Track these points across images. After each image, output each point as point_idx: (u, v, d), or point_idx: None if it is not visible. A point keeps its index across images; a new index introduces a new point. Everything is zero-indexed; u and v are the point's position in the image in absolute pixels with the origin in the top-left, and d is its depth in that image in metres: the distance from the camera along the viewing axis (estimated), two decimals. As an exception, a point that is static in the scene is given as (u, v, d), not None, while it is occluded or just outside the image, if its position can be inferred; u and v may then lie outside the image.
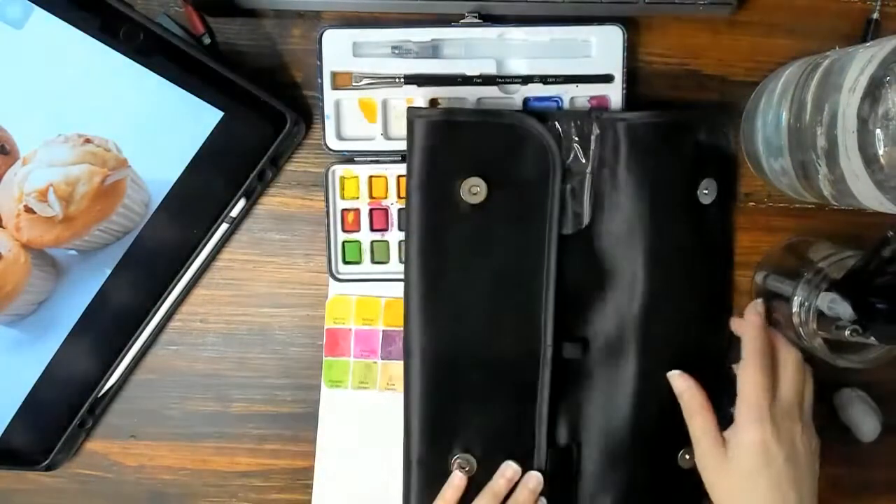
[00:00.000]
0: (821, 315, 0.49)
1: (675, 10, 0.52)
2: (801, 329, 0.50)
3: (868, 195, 0.42)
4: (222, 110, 0.51)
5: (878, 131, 0.40)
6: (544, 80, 0.52)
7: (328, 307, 0.55)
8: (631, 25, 0.53)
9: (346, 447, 0.55)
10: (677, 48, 0.55)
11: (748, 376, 0.48)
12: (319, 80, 0.52)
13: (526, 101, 0.53)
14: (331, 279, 0.54)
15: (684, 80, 0.55)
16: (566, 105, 0.53)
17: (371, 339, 0.55)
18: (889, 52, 0.40)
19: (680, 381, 0.50)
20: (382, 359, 0.55)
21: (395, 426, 0.52)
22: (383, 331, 0.55)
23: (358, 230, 0.54)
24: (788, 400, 0.48)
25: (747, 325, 0.50)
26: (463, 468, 0.50)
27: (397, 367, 0.54)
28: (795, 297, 0.50)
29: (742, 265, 0.56)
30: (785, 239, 0.56)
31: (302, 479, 0.56)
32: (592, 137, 0.50)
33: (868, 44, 0.43)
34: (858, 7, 0.54)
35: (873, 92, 0.40)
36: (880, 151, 0.40)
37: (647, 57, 0.55)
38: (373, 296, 0.55)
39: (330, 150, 0.53)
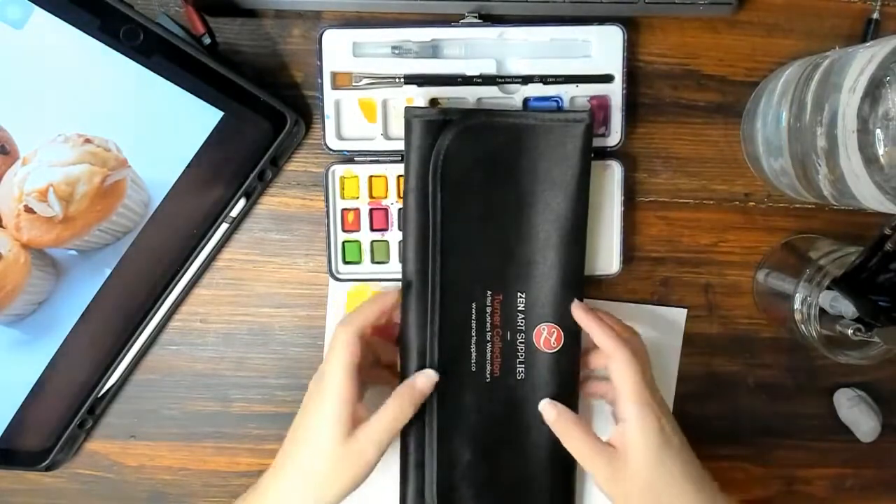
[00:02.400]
0: (822, 313, 0.49)
1: (675, 10, 0.52)
2: (802, 326, 0.50)
3: (868, 195, 0.42)
4: (222, 110, 0.51)
5: (878, 131, 0.40)
6: (544, 80, 0.52)
7: (349, 297, 0.55)
8: (631, 25, 0.53)
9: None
10: (677, 48, 0.55)
11: (620, 366, 0.45)
12: (319, 80, 0.52)
13: (526, 101, 0.53)
14: (331, 279, 0.54)
15: (684, 80, 0.55)
16: (566, 105, 0.53)
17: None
18: (889, 52, 0.40)
19: (549, 410, 0.49)
20: None
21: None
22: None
23: (358, 230, 0.54)
24: (653, 382, 0.47)
25: (589, 321, 0.48)
26: None
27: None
28: (797, 295, 0.50)
29: (742, 265, 0.56)
30: (785, 237, 0.56)
31: (302, 479, 0.56)
32: None
33: (868, 44, 0.43)
34: (858, 7, 0.54)
35: (873, 92, 0.40)
36: (880, 151, 0.40)
37: (647, 57, 0.55)
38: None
39: (330, 150, 0.53)
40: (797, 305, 0.50)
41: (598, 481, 0.46)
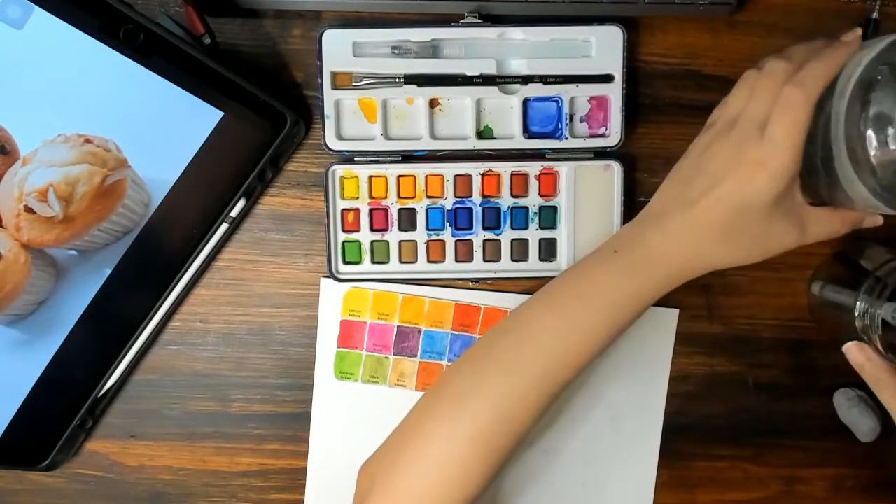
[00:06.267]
0: (885, 324, 0.48)
1: (675, 10, 0.52)
2: (864, 337, 0.49)
3: (863, 199, 0.42)
4: (222, 110, 0.51)
5: (869, 133, 0.40)
6: (544, 80, 0.52)
7: (344, 298, 0.55)
8: (631, 25, 0.53)
9: (343, 440, 0.56)
10: (677, 48, 0.55)
11: None
12: (319, 80, 0.52)
13: (526, 101, 0.53)
14: (322, 279, 0.54)
15: (684, 80, 0.55)
16: (566, 105, 0.53)
17: (385, 333, 0.55)
18: (875, 55, 0.40)
19: (857, 354, 0.50)
20: (395, 354, 0.56)
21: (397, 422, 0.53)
22: (398, 327, 0.55)
23: (358, 230, 0.54)
24: None
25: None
26: None
27: (409, 363, 0.55)
28: (857, 306, 0.49)
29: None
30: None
31: (301, 480, 0.56)
32: None
33: (862, 44, 0.43)
34: (858, 7, 0.54)
35: (863, 95, 0.40)
36: (871, 154, 0.40)
37: (647, 57, 0.55)
38: (390, 290, 0.55)
39: (330, 150, 0.53)
40: (859, 314, 0.49)
41: None
